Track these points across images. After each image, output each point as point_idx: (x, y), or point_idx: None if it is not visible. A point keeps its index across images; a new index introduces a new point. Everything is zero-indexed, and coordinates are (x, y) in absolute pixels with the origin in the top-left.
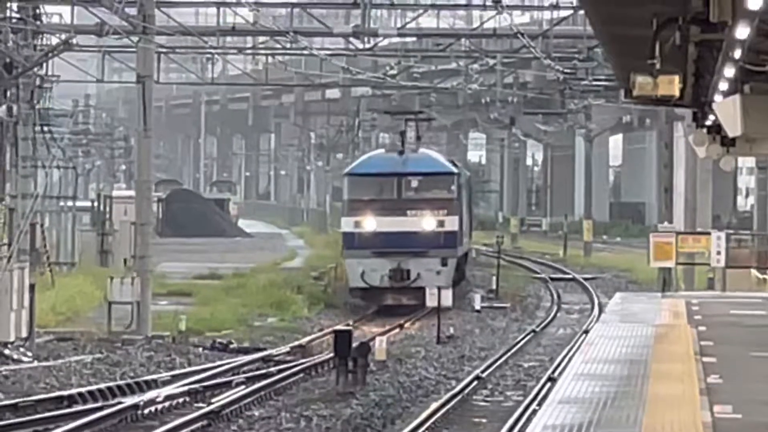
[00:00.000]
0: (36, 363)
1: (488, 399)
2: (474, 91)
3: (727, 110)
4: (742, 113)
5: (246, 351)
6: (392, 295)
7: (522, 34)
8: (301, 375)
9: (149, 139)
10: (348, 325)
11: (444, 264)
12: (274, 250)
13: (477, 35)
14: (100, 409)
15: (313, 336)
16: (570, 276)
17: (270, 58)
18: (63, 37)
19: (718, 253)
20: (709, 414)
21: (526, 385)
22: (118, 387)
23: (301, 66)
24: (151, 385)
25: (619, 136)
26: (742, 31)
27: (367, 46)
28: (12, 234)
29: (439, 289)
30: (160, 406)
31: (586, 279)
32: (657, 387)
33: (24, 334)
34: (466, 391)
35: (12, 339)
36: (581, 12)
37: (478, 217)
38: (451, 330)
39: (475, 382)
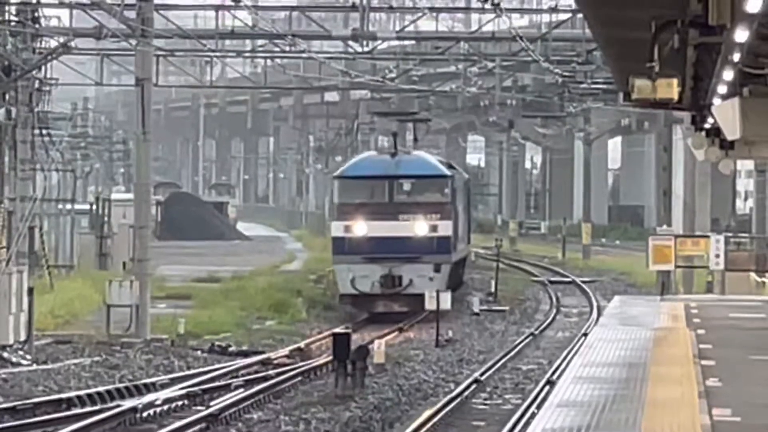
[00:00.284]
0: (35, 366)
1: (487, 402)
2: (473, 94)
3: (725, 113)
4: (740, 116)
5: (245, 354)
6: (383, 302)
7: (521, 37)
8: (300, 378)
9: (148, 142)
10: (347, 328)
11: (437, 270)
12: (273, 253)
13: (476, 38)
14: (99, 412)
15: (311, 339)
16: (569, 279)
17: (269, 61)
18: (62, 40)
19: (717, 256)
20: (707, 417)
21: (525, 389)
22: (117, 390)
23: (300, 69)
24: (149, 388)
25: (618, 139)
26: (741, 34)
27: (366, 49)
28: (11, 237)
29: (437, 292)
30: (158, 409)
31: (584, 282)
32: (656, 390)
33: (23, 337)
34: (465, 394)
35: (11, 342)
36: (580, 15)
37: (476, 220)
38: (450, 333)
39: (474, 385)
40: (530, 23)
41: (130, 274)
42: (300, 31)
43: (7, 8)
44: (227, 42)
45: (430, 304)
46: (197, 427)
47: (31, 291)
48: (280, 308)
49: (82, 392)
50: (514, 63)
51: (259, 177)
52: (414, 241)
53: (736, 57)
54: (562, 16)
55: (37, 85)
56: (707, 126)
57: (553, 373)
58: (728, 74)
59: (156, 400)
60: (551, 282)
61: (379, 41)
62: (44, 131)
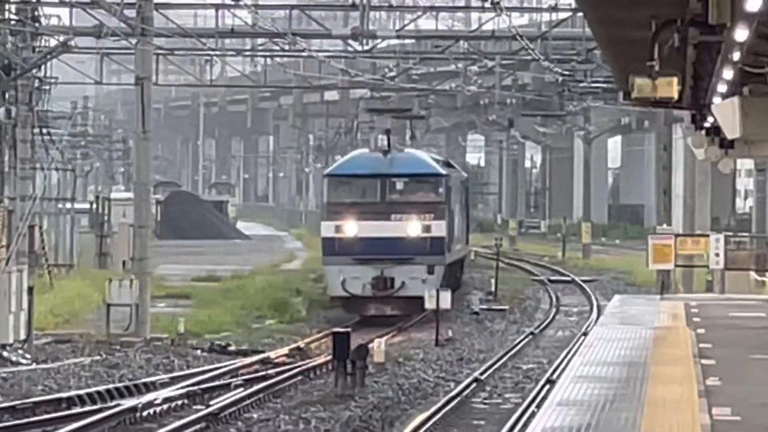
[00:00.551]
0: (34, 365)
1: (487, 401)
2: (473, 92)
3: (725, 112)
4: (740, 115)
5: (244, 353)
6: (375, 305)
7: (521, 36)
8: (300, 377)
9: (148, 141)
10: (346, 327)
11: (430, 272)
12: (273, 252)
13: (476, 37)
14: (99, 411)
15: (311, 338)
16: (569, 278)
17: (269, 60)
18: (61, 38)
19: (717, 255)
20: (707, 416)
21: (525, 388)
22: (117, 389)
23: (300, 68)
24: (149, 387)
25: (618, 138)
26: (741, 33)
27: (366, 48)
28: (11, 236)
29: (437, 291)
30: (158, 409)
31: (584, 281)
32: (656, 389)
33: (22, 337)
34: (465, 393)
35: (10, 341)
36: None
37: (476, 219)
38: (450, 332)
39: (474, 385)
40: (530, 22)
41: (130, 273)
42: (300, 30)
43: (7, 7)
44: (227, 41)
45: (429, 304)
46: (197, 427)
47: (30, 290)
48: (280, 307)
49: (81, 391)
50: (514, 62)
51: (259, 176)
52: (406, 242)
53: (736, 56)
54: (562, 15)
55: (36, 84)
56: (707, 125)
57: (553, 372)
58: (728, 73)
59: (156, 399)
60: (551, 281)
61: (379, 40)
62: (44, 130)
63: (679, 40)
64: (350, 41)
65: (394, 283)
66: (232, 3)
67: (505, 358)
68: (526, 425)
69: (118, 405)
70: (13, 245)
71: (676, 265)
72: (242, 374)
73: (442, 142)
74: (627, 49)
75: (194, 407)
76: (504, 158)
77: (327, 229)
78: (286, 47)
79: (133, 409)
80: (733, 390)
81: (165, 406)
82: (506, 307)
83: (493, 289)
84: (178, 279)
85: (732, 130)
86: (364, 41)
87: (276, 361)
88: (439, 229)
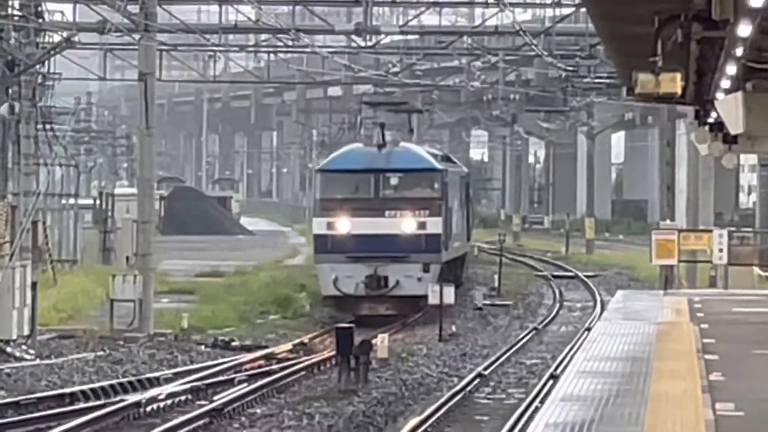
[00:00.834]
0: (38, 361)
1: (490, 396)
2: (476, 88)
3: (729, 108)
4: (744, 111)
5: (248, 349)
6: (369, 304)
7: (524, 32)
8: (303, 373)
9: (151, 137)
10: (350, 322)
11: (426, 270)
12: (276, 247)
13: (479, 33)
14: (102, 406)
15: (315, 333)
16: (572, 273)
17: (272, 56)
18: (65, 34)
19: (720, 250)
20: (711, 411)
21: (528, 383)
22: (120, 385)
23: (303, 63)
24: (153, 382)
25: (621, 134)
26: (744, 29)
27: (369, 43)
28: (14, 232)
29: (441, 286)
30: (162, 404)
31: (588, 277)
32: (659, 384)
33: (26, 332)
34: (469, 388)
35: (14, 337)
36: (583, 9)
37: (480, 215)
38: (453, 328)
39: (477, 380)
40: (533, 17)
41: (134, 268)
42: (303, 26)
43: (10, 3)
44: (230, 36)
45: (433, 299)
46: (201, 422)
47: (34, 286)
48: (284, 303)
49: (85, 387)
50: (517, 57)
51: (263, 172)
52: (401, 239)
53: (740, 51)
54: (566, 11)
55: (40, 80)
56: (710, 120)
57: (557, 367)
58: (731, 69)
59: (159, 394)
60: (554, 276)
61: (383, 36)
62: (47, 126)
63: (682, 35)
64: (353, 37)
65: (388, 282)
66: None
67: (508, 354)
68: (529, 420)
69: (121, 400)
70: (16, 241)
71: (680, 261)
72: (246, 370)
73: (446, 138)
74: (630, 45)
75: (198, 402)
76: (507, 154)
77: (319, 225)
78: (290, 43)
79: (137, 405)
80: (736, 385)
81: (169, 402)
82: (510, 302)
83: (496, 284)
84: (181, 274)
85: (735, 125)
86: (368, 37)
87: (279, 356)
88: (435, 225)
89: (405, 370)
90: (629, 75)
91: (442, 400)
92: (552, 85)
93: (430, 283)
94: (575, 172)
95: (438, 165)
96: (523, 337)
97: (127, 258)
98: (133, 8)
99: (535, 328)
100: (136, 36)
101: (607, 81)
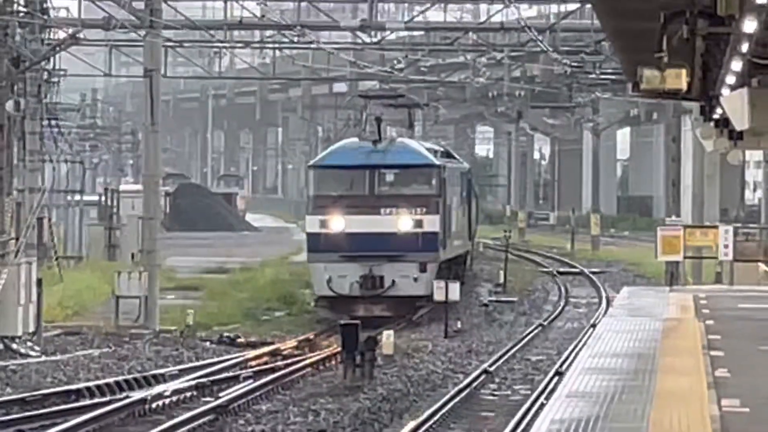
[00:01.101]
0: (43, 357)
1: (496, 393)
2: (481, 84)
3: (734, 104)
4: (749, 107)
5: (253, 345)
6: (363, 305)
7: (529, 28)
8: (309, 369)
9: (156, 134)
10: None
11: (423, 270)
12: (282, 244)
13: (484, 29)
14: (108, 403)
15: (320, 330)
16: (578, 270)
17: (277, 52)
18: (70, 31)
19: (726, 246)
20: (716, 408)
21: (534, 379)
22: (126, 381)
23: (309, 60)
24: (158, 379)
25: (627, 130)
26: (750, 25)
27: (375, 39)
28: (19, 228)
29: (446, 282)
30: (167, 401)
31: (593, 273)
32: (665, 381)
33: (31, 329)
34: (474, 384)
35: (20, 333)
36: (588, 5)
37: (485, 211)
38: (459, 324)
39: (483, 376)
40: (539, 14)
41: (139, 265)
42: (308, 22)
43: None
44: (236, 33)
45: (438, 295)
46: (206, 419)
47: (39, 282)
48: (289, 299)
49: (91, 383)
50: (522, 53)
51: (268, 168)
52: (397, 238)
53: (745, 47)
54: (571, 7)
55: (45, 77)
56: (716, 116)
57: (562, 364)
58: (737, 65)
59: (165, 391)
60: (560, 273)
61: (388, 32)
62: (53, 122)
63: (687, 31)
64: (359, 33)
65: (383, 282)
66: None
67: (514, 350)
68: (535, 417)
69: (127, 397)
70: (22, 237)
71: (685, 257)
72: (251, 366)
73: (451, 134)
74: (636, 41)
75: (203, 399)
76: (513, 150)
77: (312, 223)
78: (295, 39)
79: (143, 401)
80: (742, 381)
81: (174, 398)
82: (515, 298)
83: (502, 280)
84: (187, 271)
85: (741, 121)
86: (373, 33)
87: (285, 353)
88: (432, 223)
89: (410, 367)
90: (635, 71)
91: (448, 396)
92: (557, 82)
93: (427, 283)
94: (581, 168)
95: (435, 161)
96: (528, 334)
97: (133, 254)
98: (139, 5)
99: (540, 325)
100: (142, 32)
101: (613, 77)
